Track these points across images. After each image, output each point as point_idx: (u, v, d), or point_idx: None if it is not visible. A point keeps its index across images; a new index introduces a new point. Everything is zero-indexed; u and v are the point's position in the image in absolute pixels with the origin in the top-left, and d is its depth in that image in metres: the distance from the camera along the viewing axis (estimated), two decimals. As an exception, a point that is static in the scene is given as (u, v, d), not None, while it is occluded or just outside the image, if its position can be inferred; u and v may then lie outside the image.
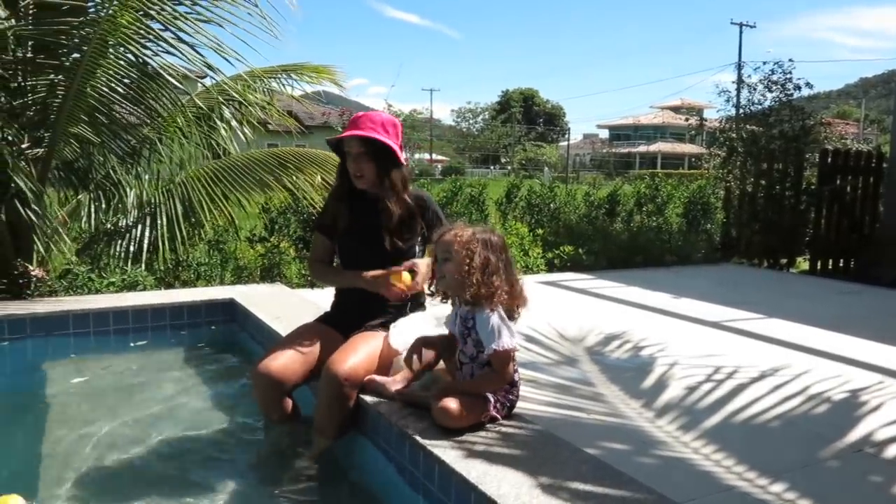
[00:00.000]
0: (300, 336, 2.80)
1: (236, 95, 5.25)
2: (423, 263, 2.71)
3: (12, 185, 4.22)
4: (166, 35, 4.27)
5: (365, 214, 2.78)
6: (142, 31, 4.22)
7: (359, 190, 2.78)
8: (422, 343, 2.46)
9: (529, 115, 74.40)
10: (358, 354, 2.58)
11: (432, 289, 2.46)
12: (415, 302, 2.91)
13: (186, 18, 4.25)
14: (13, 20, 4.28)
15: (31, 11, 4.43)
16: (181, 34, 4.25)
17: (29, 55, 4.46)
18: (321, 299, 3.71)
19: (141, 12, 4.15)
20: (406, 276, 2.65)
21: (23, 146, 4.48)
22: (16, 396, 3.48)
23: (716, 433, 2.57)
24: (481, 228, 2.39)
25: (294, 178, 5.40)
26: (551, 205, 8.80)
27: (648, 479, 2.00)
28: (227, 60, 4.28)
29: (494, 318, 2.28)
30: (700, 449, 2.41)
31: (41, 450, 2.81)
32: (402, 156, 2.77)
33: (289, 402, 2.71)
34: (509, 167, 57.15)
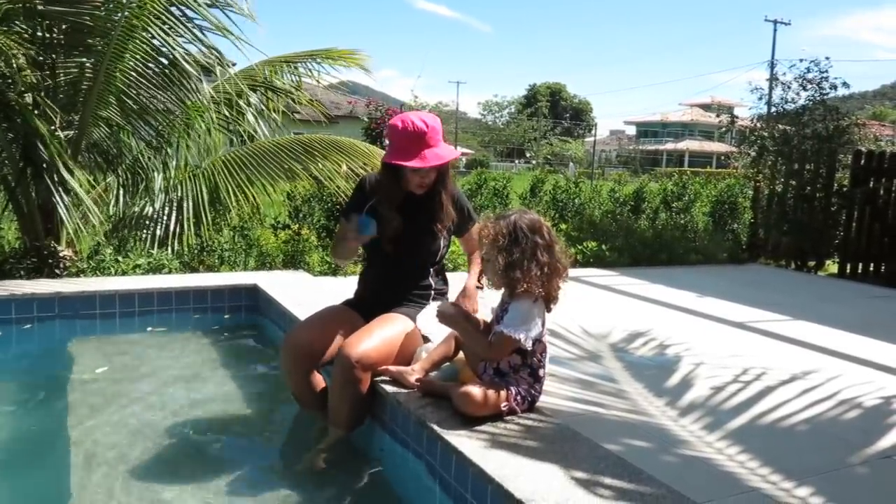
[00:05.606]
0: (325, 314, 2.82)
1: (252, 83, 5.29)
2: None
3: (44, 164, 4.28)
4: (184, 20, 4.35)
5: (416, 214, 2.79)
6: (163, 17, 4.26)
7: (407, 193, 2.78)
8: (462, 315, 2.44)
9: (556, 110, 73.79)
10: (373, 338, 2.57)
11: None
12: (437, 292, 2.90)
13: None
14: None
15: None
16: (200, 21, 4.35)
17: (61, 37, 4.51)
18: (343, 287, 3.71)
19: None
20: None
21: (53, 127, 4.55)
22: (42, 376, 3.55)
23: (740, 434, 2.51)
24: (493, 219, 2.36)
25: (320, 165, 5.41)
26: (576, 200, 8.73)
27: (668, 478, 1.96)
28: (238, 48, 4.41)
29: (524, 308, 2.28)
30: (723, 449, 2.36)
31: (64, 430, 2.84)
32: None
33: (315, 381, 2.72)
34: (534, 161, 56.86)
